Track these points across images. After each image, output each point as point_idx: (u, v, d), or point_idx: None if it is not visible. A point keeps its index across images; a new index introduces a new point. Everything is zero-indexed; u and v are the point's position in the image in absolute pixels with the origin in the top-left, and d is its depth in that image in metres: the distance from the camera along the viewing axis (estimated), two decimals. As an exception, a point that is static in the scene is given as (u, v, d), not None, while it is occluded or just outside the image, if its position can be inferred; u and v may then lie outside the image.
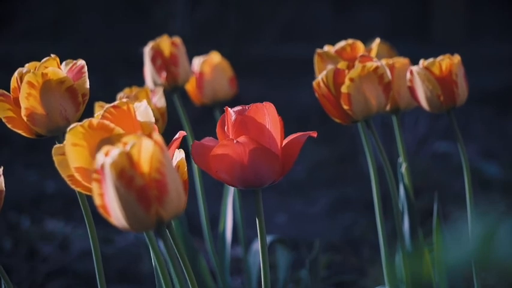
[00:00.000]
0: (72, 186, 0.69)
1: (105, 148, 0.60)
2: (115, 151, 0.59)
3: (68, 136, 0.65)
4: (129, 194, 0.59)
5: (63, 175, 0.69)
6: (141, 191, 0.59)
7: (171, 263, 0.68)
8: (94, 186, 0.60)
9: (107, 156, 0.59)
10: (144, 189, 0.59)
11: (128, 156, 0.59)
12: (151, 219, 0.60)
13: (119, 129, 0.66)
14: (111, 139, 0.64)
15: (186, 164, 0.70)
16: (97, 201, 0.61)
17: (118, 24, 3.95)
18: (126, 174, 0.59)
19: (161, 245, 1.39)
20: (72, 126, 0.65)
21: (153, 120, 0.69)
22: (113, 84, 2.49)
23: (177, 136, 0.70)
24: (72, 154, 0.66)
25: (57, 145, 0.69)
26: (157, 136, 0.60)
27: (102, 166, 0.59)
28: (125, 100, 0.69)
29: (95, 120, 0.65)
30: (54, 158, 0.69)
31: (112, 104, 0.68)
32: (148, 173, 0.59)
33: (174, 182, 0.61)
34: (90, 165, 0.66)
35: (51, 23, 3.88)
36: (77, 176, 0.67)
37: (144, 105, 0.69)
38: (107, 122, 0.66)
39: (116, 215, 0.61)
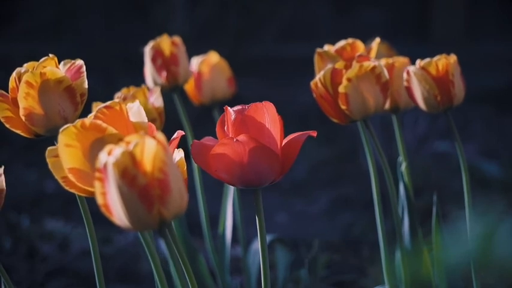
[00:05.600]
0: (66, 188, 0.69)
1: (107, 147, 0.60)
2: (118, 150, 0.59)
3: (60, 137, 0.65)
4: (132, 193, 0.59)
5: (57, 177, 0.69)
6: (143, 190, 0.59)
7: (172, 263, 0.68)
8: (96, 185, 0.60)
9: (110, 155, 0.59)
10: (147, 188, 0.59)
11: (130, 156, 0.59)
12: (153, 218, 0.61)
13: (111, 129, 0.65)
14: (104, 139, 0.64)
15: (185, 163, 0.70)
16: (99, 200, 0.61)
17: (118, 23, 3.95)
18: (129, 173, 0.59)
19: (162, 245, 1.39)
20: (64, 127, 0.65)
21: (145, 120, 0.69)
22: (113, 83, 2.49)
23: (175, 136, 0.70)
24: (65, 155, 0.66)
25: (51, 147, 0.69)
26: (160, 135, 0.60)
27: (105, 165, 0.59)
28: (117, 100, 0.69)
29: (87, 121, 0.65)
30: (48, 160, 0.68)
31: (104, 104, 0.68)
32: (151, 172, 0.59)
33: (176, 182, 0.61)
34: (83, 166, 0.66)
35: (51, 23, 3.88)
36: (71, 177, 0.67)
37: (137, 106, 0.69)
38: (99, 122, 0.66)
39: (118, 214, 0.61)
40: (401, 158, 1.12)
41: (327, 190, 2.22)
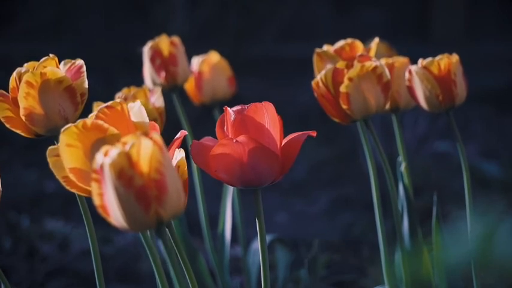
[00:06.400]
0: (67, 188, 0.69)
1: (104, 148, 0.60)
2: (114, 151, 0.59)
3: (62, 137, 0.65)
4: (129, 194, 0.59)
5: (58, 176, 0.69)
6: (140, 191, 0.59)
7: (170, 263, 0.68)
8: (93, 186, 0.60)
9: (106, 156, 0.59)
10: (144, 189, 0.59)
11: (127, 156, 0.59)
12: (150, 219, 0.60)
13: (113, 130, 0.66)
14: (105, 139, 0.64)
15: (186, 163, 0.69)
16: (96, 201, 0.61)
17: (118, 23, 3.95)
18: (126, 174, 0.59)
19: (160, 245, 1.39)
20: (66, 127, 0.65)
21: (147, 120, 0.69)
22: (113, 83, 2.49)
23: (178, 135, 0.70)
24: (66, 155, 0.66)
25: (52, 146, 0.69)
26: (156, 136, 0.60)
27: (102, 166, 0.59)
28: (119, 100, 0.69)
29: (89, 121, 0.65)
30: (49, 160, 0.69)
31: (106, 104, 0.68)
32: (147, 173, 0.59)
33: (173, 182, 0.61)
34: (84, 166, 0.66)
35: (51, 23, 3.88)
36: (72, 177, 0.67)
37: (138, 106, 0.69)
38: (100, 122, 0.66)
39: (115, 215, 0.61)
40: (401, 158, 1.12)
41: (327, 190, 2.22)
